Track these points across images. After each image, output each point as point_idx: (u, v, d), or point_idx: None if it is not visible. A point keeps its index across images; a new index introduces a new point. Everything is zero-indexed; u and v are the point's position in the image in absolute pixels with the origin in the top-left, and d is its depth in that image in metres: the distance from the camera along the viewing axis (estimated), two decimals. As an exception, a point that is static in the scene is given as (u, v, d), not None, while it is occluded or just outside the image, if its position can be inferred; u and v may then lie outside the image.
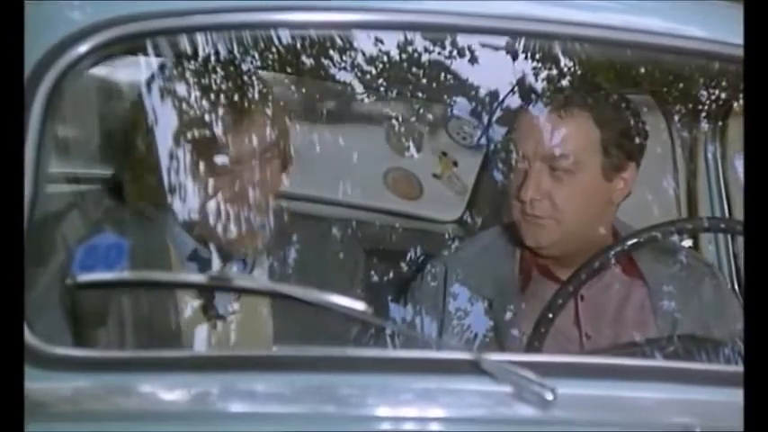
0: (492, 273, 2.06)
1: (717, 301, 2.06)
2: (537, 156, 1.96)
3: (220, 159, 1.74)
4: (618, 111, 2.01)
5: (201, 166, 1.73)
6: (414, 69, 2.08)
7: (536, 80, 1.95)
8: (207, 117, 1.72)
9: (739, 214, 2.38)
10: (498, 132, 2.12)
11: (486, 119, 2.35)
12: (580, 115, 1.96)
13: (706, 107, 2.32)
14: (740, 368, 1.37)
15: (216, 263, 1.83)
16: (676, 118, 2.44)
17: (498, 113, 2.07)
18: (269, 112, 1.77)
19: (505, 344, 1.96)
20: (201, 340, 1.82)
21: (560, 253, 2.00)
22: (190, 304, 1.80)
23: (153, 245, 1.82)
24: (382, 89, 2.37)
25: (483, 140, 2.58)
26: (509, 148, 2.02)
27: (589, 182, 1.98)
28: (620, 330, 2.00)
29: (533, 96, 1.98)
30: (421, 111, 2.60)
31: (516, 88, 2.00)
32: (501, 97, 2.07)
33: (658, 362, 1.59)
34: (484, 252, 2.10)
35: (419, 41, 1.80)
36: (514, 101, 2.03)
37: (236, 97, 1.73)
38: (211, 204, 1.75)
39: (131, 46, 1.48)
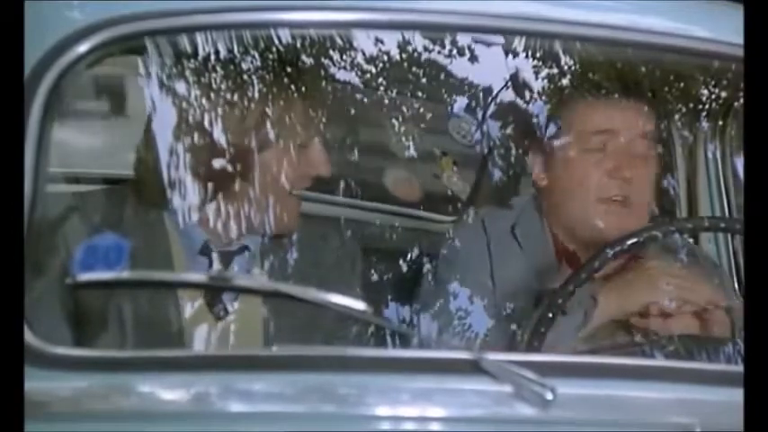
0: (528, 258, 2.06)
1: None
2: (629, 135, 1.98)
3: (218, 162, 1.74)
4: (659, 107, 2.05)
5: (203, 167, 1.73)
6: (414, 69, 2.08)
7: (536, 78, 1.96)
8: (207, 117, 1.72)
9: (739, 214, 2.39)
10: (494, 128, 2.12)
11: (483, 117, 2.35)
12: (643, 102, 2.00)
13: (706, 107, 2.32)
14: (740, 368, 1.37)
15: (216, 261, 1.84)
16: (676, 117, 2.44)
17: (493, 109, 2.07)
18: (269, 111, 1.77)
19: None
20: (201, 339, 1.82)
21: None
22: (190, 303, 1.80)
23: (155, 244, 1.82)
24: (382, 89, 2.37)
25: (480, 137, 2.58)
26: (509, 144, 2.02)
27: (653, 168, 2.02)
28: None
29: (527, 92, 1.98)
30: (421, 110, 2.59)
31: (510, 83, 2.00)
32: (495, 93, 2.07)
33: (658, 362, 1.59)
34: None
35: (419, 41, 1.80)
36: (509, 96, 2.03)
37: (236, 97, 1.73)
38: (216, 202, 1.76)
39: (131, 45, 1.48)
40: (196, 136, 1.72)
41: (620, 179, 1.97)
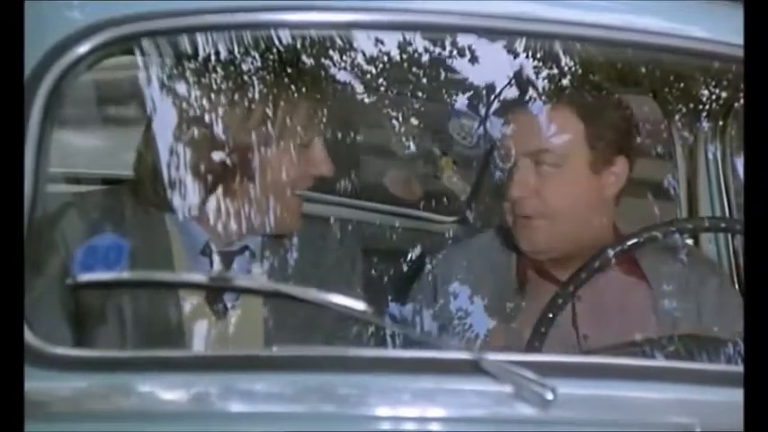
0: (489, 275, 2.05)
1: (721, 301, 2.05)
2: (522, 153, 1.96)
3: (218, 155, 1.75)
4: (602, 105, 2.00)
5: (203, 164, 1.74)
6: (414, 69, 2.08)
7: (536, 78, 1.95)
8: (207, 117, 1.72)
9: (739, 214, 2.39)
10: (497, 127, 2.12)
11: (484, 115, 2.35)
12: (563, 109, 1.96)
13: (706, 107, 2.32)
14: (740, 368, 1.37)
15: (217, 261, 1.84)
16: (677, 117, 2.44)
17: (495, 107, 2.06)
18: (269, 111, 1.77)
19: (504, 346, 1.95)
20: (201, 337, 1.82)
21: (558, 254, 1.99)
22: (190, 302, 1.80)
23: (155, 244, 1.82)
24: (382, 89, 2.37)
25: (482, 138, 2.58)
26: (503, 146, 2.02)
27: (577, 176, 1.97)
28: (620, 331, 1.99)
29: (531, 90, 1.97)
30: (421, 110, 2.60)
31: (513, 81, 2.00)
32: (498, 91, 2.06)
33: (658, 362, 1.59)
34: (481, 254, 2.09)
35: (419, 41, 1.80)
36: (512, 95, 2.02)
37: (236, 97, 1.74)
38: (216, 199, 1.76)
39: (131, 46, 1.48)
40: (196, 133, 1.73)
41: (525, 196, 1.96)
